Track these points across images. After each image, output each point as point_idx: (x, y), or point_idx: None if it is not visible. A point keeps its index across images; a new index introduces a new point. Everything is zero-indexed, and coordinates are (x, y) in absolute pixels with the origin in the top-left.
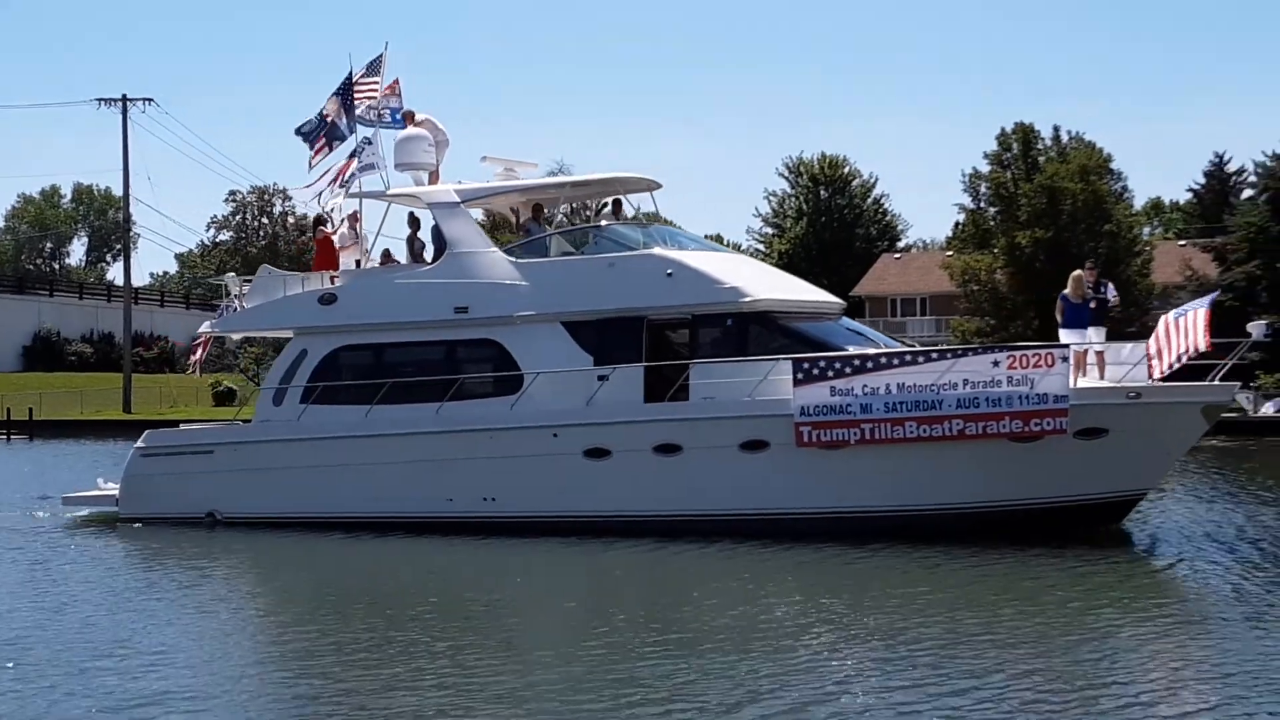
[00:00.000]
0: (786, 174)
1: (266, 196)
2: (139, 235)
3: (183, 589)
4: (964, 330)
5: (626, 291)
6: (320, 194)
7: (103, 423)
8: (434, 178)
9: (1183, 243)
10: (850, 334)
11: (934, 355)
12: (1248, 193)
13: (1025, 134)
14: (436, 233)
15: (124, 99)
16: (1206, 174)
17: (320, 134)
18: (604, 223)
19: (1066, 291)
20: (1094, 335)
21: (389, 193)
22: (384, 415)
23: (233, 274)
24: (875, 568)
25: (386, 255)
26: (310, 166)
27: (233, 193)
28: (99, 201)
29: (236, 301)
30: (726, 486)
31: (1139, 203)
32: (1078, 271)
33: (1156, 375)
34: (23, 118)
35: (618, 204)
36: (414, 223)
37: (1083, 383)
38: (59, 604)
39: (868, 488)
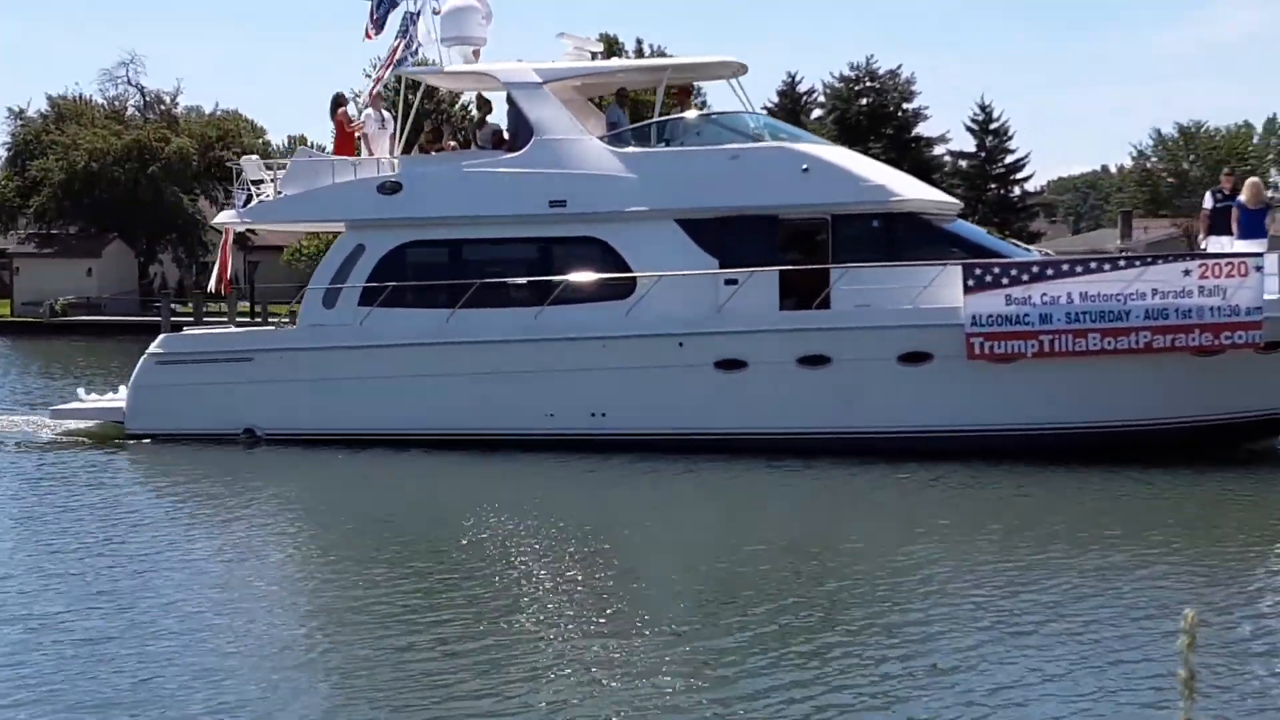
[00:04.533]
0: None
1: None
2: None
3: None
4: None
5: (755, 188)
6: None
7: None
8: (476, 56)
9: None
10: (997, 239)
11: (1120, 263)
12: (817, 112)
13: (609, 46)
14: (516, 117)
15: None
16: (780, 93)
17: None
18: (707, 112)
19: (1243, 198)
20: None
21: (453, 70)
22: (469, 320)
23: (255, 156)
24: (1046, 492)
25: (499, 137)
26: (368, 38)
27: None
28: None
29: (263, 189)
30: (882, 402)
31: None
32: (1254, 178)
33: None
34: None
35: (686, 92)
36: (484, 106)
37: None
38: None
39: (1041, 403)
